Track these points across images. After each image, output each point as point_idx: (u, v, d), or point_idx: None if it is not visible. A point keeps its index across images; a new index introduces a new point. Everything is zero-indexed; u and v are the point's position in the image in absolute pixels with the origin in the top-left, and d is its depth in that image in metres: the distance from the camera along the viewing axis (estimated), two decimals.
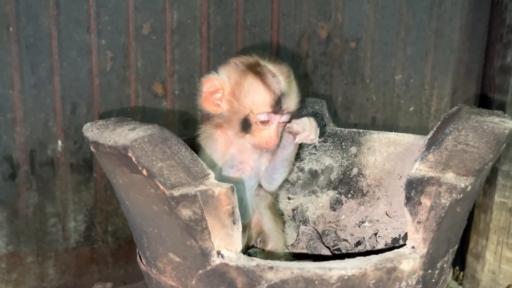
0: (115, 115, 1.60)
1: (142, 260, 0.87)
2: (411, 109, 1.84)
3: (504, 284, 1.72)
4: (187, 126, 1.67)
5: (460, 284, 1.85)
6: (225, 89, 1.00)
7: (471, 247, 1.82)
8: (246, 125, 0.98)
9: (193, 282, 0.70)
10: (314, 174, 1.19)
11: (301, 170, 1.23)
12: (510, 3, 1.62)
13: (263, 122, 0.96)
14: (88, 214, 1.64)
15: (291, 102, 0.99)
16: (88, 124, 0.82)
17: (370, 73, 1.79)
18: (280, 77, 0.97)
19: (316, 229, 1.13)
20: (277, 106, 0.95)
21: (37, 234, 1.59)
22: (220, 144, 1.04)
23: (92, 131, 0.75)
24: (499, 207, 1.70)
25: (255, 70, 0.96)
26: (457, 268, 1.93)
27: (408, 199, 0.73)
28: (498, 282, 1.73)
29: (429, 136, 0.92)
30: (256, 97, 0.94)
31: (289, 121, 1.02)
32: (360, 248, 1.09)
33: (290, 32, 1.68)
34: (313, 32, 1.70)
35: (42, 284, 1.63)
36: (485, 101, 1.85)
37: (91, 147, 0.73)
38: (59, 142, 1.57)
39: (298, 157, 1.22)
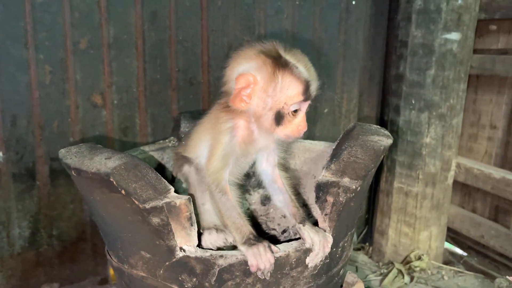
0: (56, 125, 1.68)
1: (114, 258, 1.02)
2: (325, 110, 2.10)
3: (403, 254, 2.06)
4: (126, 134, 1.79)
5: (370, 257, 2.17)
6: (257, 85, 0.98)
7: (377, 226, 2.14)
8: (279, 118, 0.98)
9: (161, 271, 0.90)
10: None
11: None
12: (401, 21, 1.93)
13: (295, 111, 0.98)
14: (32, 220, 1.72)
15: (315, 86, 1.02)
16: (63, 151, 0.95)
17: None
18: (302, 66, 0.99)
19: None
20: (306, 93, 0.98)
21: None
22: (240, 140, 1.05)
23: (71, 159, 0.89)
24: (398, 191, 2.03)
25: (284, 64, 0.97)
26: (367, 244, 2.25)
27: (318, 198, 0.97)
28: (398, 254, 2.07)
29: (333, 146, 1.17)
30: (290, 90, 0.96)
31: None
32: (285, 235, 1.33)
33: (219, 45, 1.86)
34: (240, 45, 1.87)
35: None
36: (384, 103, 2.16)
37: (72, 172, 0.87)
38: (1, 154, 1.62)
39: None
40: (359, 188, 0.94)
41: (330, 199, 0.94)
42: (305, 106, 1.02)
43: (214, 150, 1.04)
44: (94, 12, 1.66)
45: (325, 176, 0.97)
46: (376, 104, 2.20)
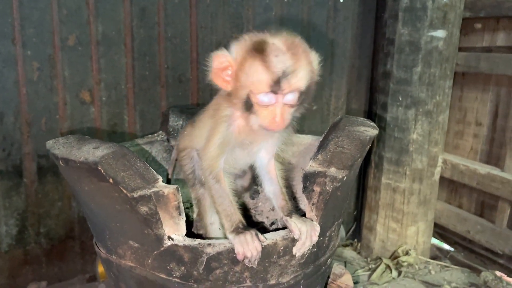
0: (44, 122, 1.68)
1: (102, 249, 1.02)
2: (314, 108, 2.12)
3: (391, 250, 2.08)
4: (115, 130, 1.79)
5: (358, 253, 2.19)
6: (233, 66, 0.95)
7: (366, 222, 2.16)
8: (248, 105, 0.93)
9: (149, 261, 0.90)
10: None
11: None
12: (388, 19, 1.96)
13: (264, 103, 0.91)
14: (19, 218, 1.70)
15: (297, 80, 0.91)
16: (50, 142, 0.95)
17: None
18: (286, 55, 0.90)
19: None
20: (276, 86, 0.89)
21: None
22: (237, 131, 1.03)
23: (59, 149, 0.89)
24: (385, 187, 2.05)
25: (258, 48, 0.90)
26: (355, 240, 2.26)
27: (305, 187, 0.98)
28: (386, 249, 2.09)
29: (321, 139, 1.18)
30: (254, 76, 0.90)
31: (301, 102, 0.96)
32: (274, 226, 1.34)
33: (208, 42, 1.86)
34: (229, 43, 1.88)
35: None
36: (372, 100, 2.18)
37: (60, 162, 0.87)
38: None
39: None
40: (345, 177, 0.96)
41: (317, 188, 0.95)
42: (278, 100, 0.92)
43: (211, 137, 1.03)
44: (82, 8, 1.65)
45: (312, 166, 0.98)
46: (364, 102, 2.23)
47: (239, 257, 0.91)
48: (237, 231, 0.94)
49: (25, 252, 1.73)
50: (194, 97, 1.89)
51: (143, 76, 1.79)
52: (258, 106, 0.93)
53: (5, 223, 1.68)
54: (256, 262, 0.91)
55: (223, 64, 0.97)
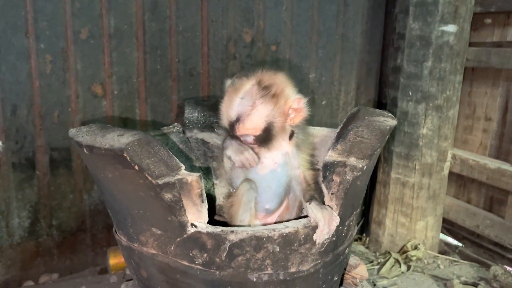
0: (57, 115, 1.68)
1: (123, 237, 1.03)
2: (323, 102, 2.13)
3: (400, 244, 2.09)
4: (126, 124, 1.79)
5: (367, 248, 2.19)
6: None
7: (374, 216, 2.17)
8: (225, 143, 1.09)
9: (172, 248, 0.91)
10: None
11: None
12: (399, 14, 1.96)
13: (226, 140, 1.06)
14: (32, 210, 1.71)
15: (250, 125, 1.03)
16: (73, 130, 0.96)
17: (289, 72, 2.03)
18: (244, 99, 1.04)
19: None
20: (231, 129, 1.03)
21: None
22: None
23: (83, 137, 0.90)
24: (395, 181, 2.05)
25: (229, 91, 1.06)
26: (364, 235, 2.27)
27: (324, 177, 0.99)
28: (395, 243, 2.10)
29: (337, 130, 1.18)
30: (221, 117, 1.06)
31: (263, 140, 1.07)
32: None
33: (219, 36, 1.87)
34: (239, 37, 1.90)
35: None
36: (382, 95, 2.19)
37: (84, 150, 0.88)
38: (0, 143, 1.62)
39: None
40: (365, 167, 0.96)
41: (337, 178, 0.95)
42: (233, 141, 1.06)
43: None
44: (95, 2, 1.66)
45: (331, 156, 0.99)
46: (373, 96, 2.23)
47: (238, 165, 1.00)
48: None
49: (37, 244, 1.74)
50: (204, 91, 1.89)
51: (154, 70, 1.80)
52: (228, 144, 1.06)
53: (18, 215, 1.69)
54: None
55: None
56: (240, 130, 1.03)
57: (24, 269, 1.74)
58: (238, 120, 1.02)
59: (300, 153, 1.14)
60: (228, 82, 1.09)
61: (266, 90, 1.03)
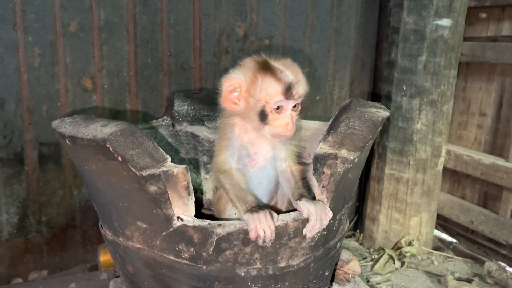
0: (45, 109, 1.65)
1: (108, 232, 1.00)
2: (317, 97, 2.11)
3: (394, 240, 2.07)
4: (117, 118, 1.75)
5: (361, 244, 2.18)
6: (242, 87, 1.08)
7: (368, 212, 2.15)
8: (263, 116, 1.06)
9: (158, 242, 0.88)
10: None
11: None
12: (393, 8, 1.94)
13: (278, 109, 1.05)
14: (20, 206, 1.68)
15: (300, 89, 1.07)
16: (56, 121, 0.93)
17: None
18: (286, 71, 1.07)
19: None
20: (287, 93, 1.04)
21: None
22: (237, 133, 1.14)
23: (65, 128, 0.87)
24: (389, 177, 2.04)
25: (265, 67, 1.07)
26: (357, 231, 2.25)
27: (315, 170, 0.97)
28: (389, 240, 2.08)
29: (329, 122, 1.17)
30: (269, 89, 1.04)
31: (299, 109, 1.10)
32: None
33: (211, 30, 1.84)
34: (232, 31, 1.88)
35: None
36: (376, 90, 2.17)
37: (67, 141, 0.85)
38: None
39: None
40: (356, 159, 0.94)
41: (328, 170, 0.93)
42: (288, 105, 1.07)
43: (218, 144, 1.16)
44: None
45: (322, 148, 0.96)
46: (367, 91, 2.21)
47: (252, 235, 0.90)
48: (251, 210, 0.94)
49: (26, 240, 1.72)
50: (196, 85, 1.87)
51: (145, 64, 1.77)
52: (272, 115, 1.06)
53: (6, 212, 1.66)
54: (270, 242, 0.90)
55: (232, 86, 1.08)
56: (298, 92, 1.06)
57: (13, 266, 1.72)
58: (292, 84, 1.05)
59: (287, 144, 1.14)
60: (244, 64, 1.12)
61: (293, 65, 1.11)
